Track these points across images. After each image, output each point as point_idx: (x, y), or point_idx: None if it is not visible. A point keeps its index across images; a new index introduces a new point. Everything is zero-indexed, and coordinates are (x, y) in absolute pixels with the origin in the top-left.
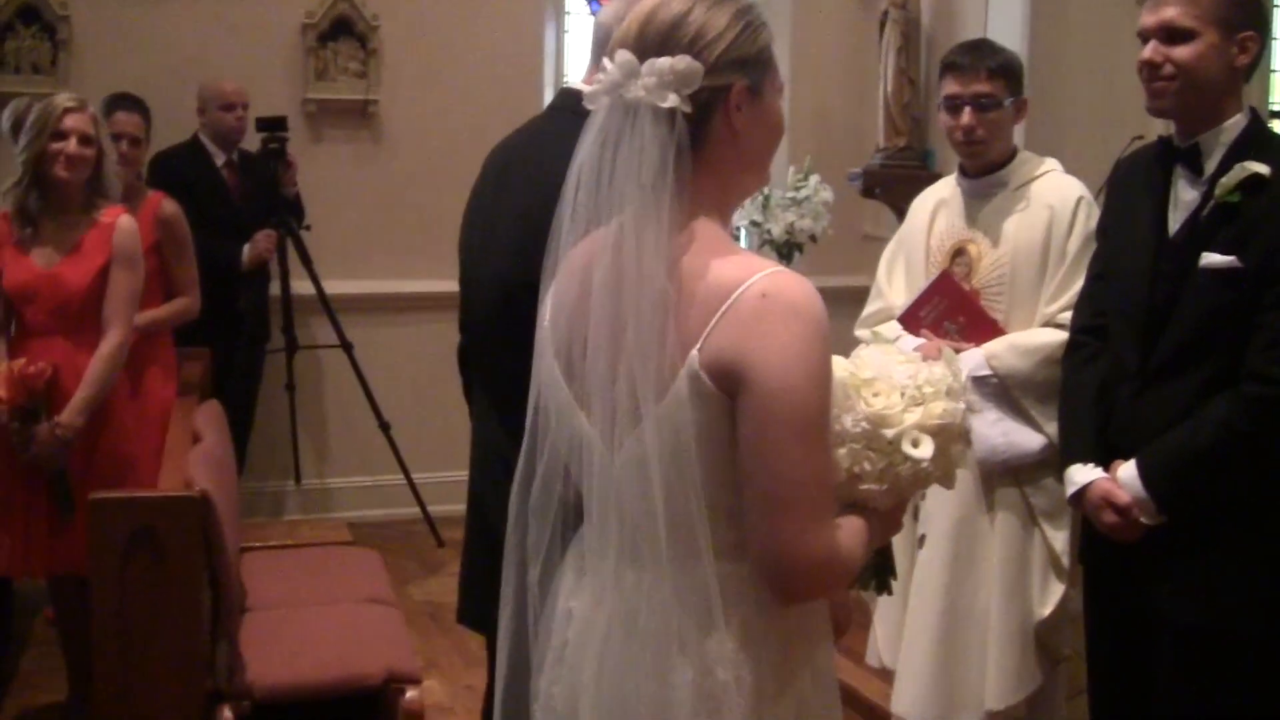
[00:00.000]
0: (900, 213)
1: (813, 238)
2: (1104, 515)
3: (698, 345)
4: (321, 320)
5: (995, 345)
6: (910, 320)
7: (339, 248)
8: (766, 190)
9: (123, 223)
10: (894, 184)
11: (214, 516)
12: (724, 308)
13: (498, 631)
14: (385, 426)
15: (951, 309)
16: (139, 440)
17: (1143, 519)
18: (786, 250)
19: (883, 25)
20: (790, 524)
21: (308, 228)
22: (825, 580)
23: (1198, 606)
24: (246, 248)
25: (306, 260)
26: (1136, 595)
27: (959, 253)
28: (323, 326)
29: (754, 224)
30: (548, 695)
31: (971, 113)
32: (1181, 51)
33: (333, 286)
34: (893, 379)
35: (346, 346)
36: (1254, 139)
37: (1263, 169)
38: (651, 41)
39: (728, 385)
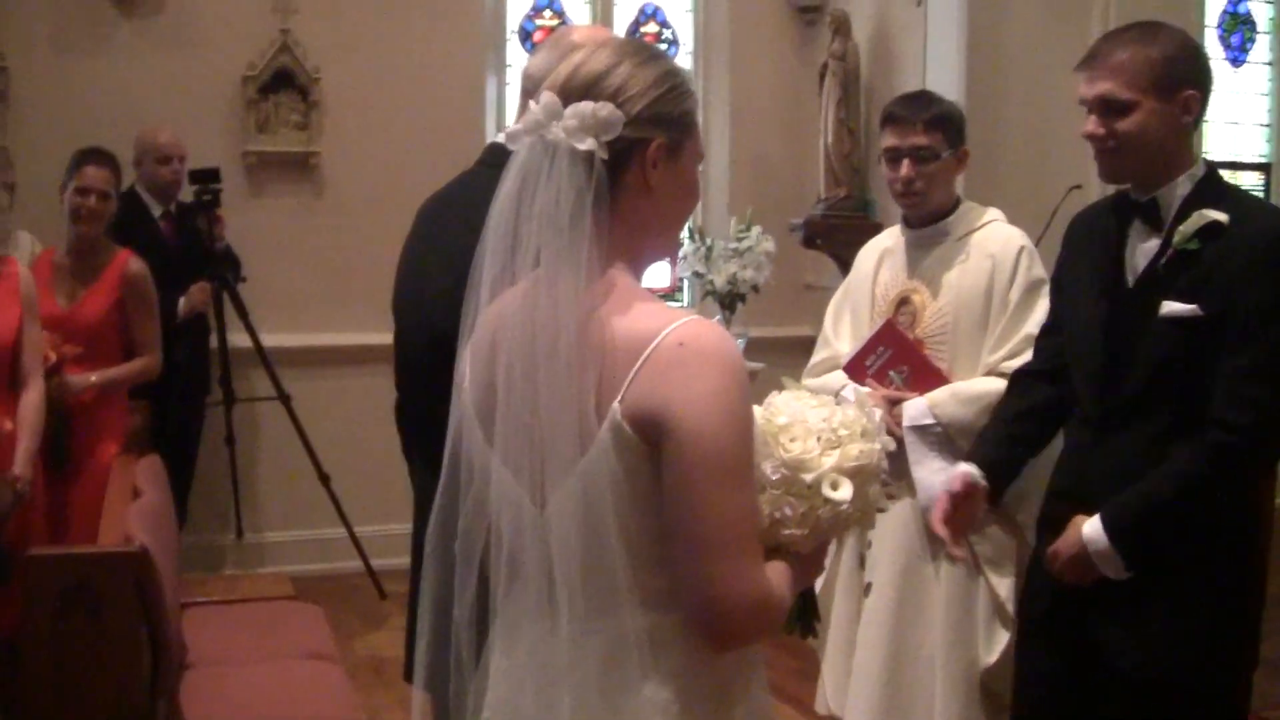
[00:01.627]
0: (841, 262)
1: (755, 288)
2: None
3: (619, 396)
4: (259, 373)
5: (938, 394)
6: (855, 369)
7: (279, 300)
8: (709, 241)
9: (23, 272)
10: (835, 234)
11: (153, 572)
12: (643, 358)
13: (413, 680)
14: (325, 479)
15: (896, 358)
16: (80, 497)
17: (1108, 573)
18: (729, 300)
19: (822, 76)
20: (721, 568)
21: (244, 280)
22: (759, 623)
23: (1147, 656)
24: (182, 300)
25: (243, 312)
26: (1079, 644)
27: (903, 302)
28: (260, 379)
29: (697, 275)
30: None
31: (910, 164)
32: (1123, 124)
33: (273, 339)
34: (807, 423)
35: (284, 398)
36: (1211, 189)
37: (1221, 216)
38: (577, 88)
39: (650, 434)
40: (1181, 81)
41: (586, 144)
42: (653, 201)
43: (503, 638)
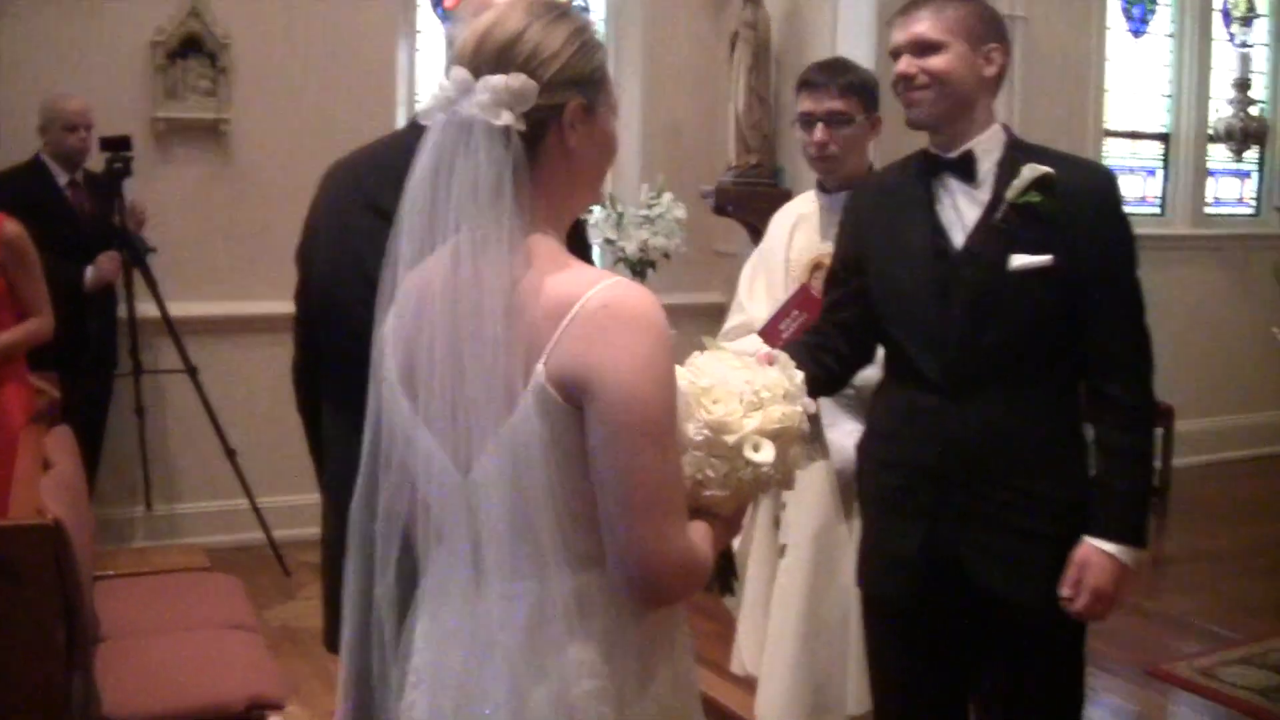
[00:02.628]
0: (752, 229)
1: (666, 255)
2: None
3: (542, 359)
4: (167, 343)
5: None
6: (770, 334)
7: (189, 268)
8: (620, 208)
9: None
10: (745, 201)
11: (67, 544)
12: (566, 321)
13: (340, 648)
14: (231, 453)
15: (810, 322)
16: None
17: (1134, 568)
18: (640, 267)
19: (733, 44)
20: (648, 528)
21: (153, 250)
22: (686, 582)
23: (1034, 588)
24: (90, 270)
25: (151, 283)
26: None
27: (817, 267)
28: (169, 350)
29: (609, 241)
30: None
31: (824, 129)
32: (934, 61)
33: (182, 309)
34: (730, 385)
35: (191, 371)
36: (1022, 146)
37: (1051, 170)
38: (486, 59)
39: (575, 397)
40: (988, 36)
41: (502, 119)
42: (572, 162)
43: (429, 602)
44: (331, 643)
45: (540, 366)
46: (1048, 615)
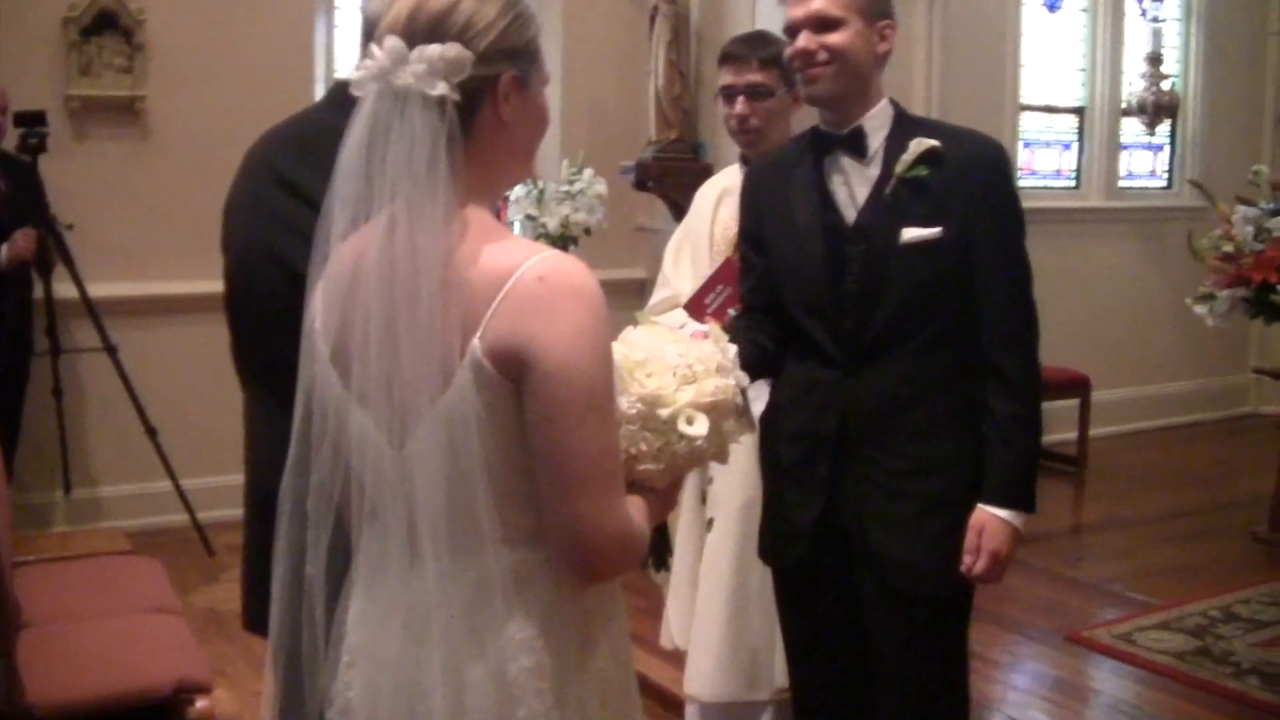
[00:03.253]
0: (673, 204)
1: (587, 230)
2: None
3: (478, 334)
4: (86, 323)
5: None
6: (695, 307)
7: (105, 248)
8: (541, 184)
9: None
10: (666, 176)
11: None
12: (501, 294)
13: (269, 630)
14: (152, 432)
15: (735, 295)
16: None
17: (1022, 530)
18: (562, 243)
19: (653, 19)
20: (587, 503)
21: (69, 227)
22: (625, 556)
23: (928, 552)
24: (4, 248)
25: (68, 261)
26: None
27: None
28: (87, 330)
29: (529, 218)
30: (344, 700)
31: (745, 101)
32: (834, 37)
33: (100, 289)
34: (664, 359)
35: (110, 350)
36: (909, 119)
37: (937, 144)
38: (421, 29)
39: (511, 371)
40: (882, 12)
41: (438, 89)
42: (507, 135)
43: (362, 582)
44: (250, 623)
45: (476, 341)
46: (941, 578)
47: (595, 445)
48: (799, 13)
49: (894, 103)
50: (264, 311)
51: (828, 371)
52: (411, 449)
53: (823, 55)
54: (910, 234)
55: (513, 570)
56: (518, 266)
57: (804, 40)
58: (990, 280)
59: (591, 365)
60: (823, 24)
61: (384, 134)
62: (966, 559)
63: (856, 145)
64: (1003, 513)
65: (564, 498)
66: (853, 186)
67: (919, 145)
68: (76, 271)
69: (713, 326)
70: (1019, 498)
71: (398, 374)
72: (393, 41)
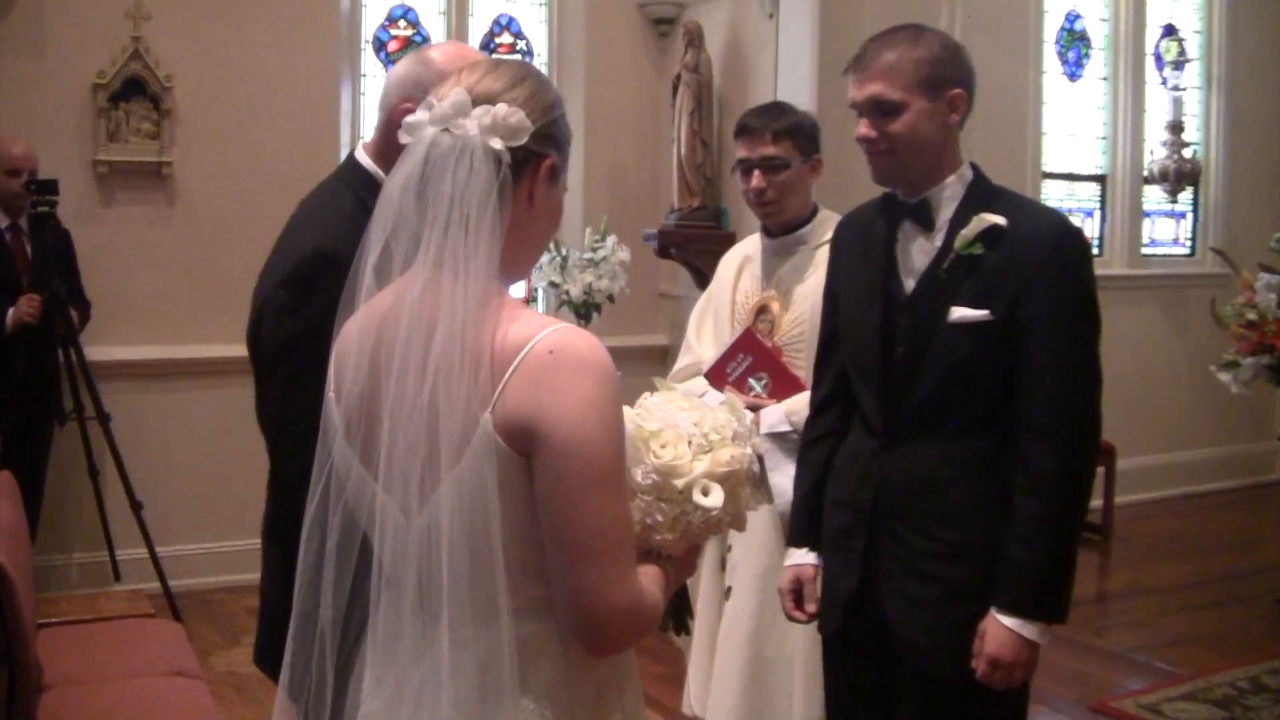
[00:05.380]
0: (695, 271)
1: (610, 297)
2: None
3: (489, 407)
4: (115, 387)
5: (795, 402)
6: (716, 376)
7: (131, 312)
8: (564, 251)
9: None
10: (689, 243)
11: (11, 591)
12: (512, 367)
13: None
14: (137, 507)
15: (755, 365)
16: None
17: (1042, 642)
18: (585, 310)
19: (675, 88)
20: (595, 575)
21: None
22: (635, 628)
23: (940, 655)
24: (10, 311)
25: (70, 330)
26: (879, 649)
27: (762, 310)
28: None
29: (552, 285)
30: None
31: (760, 175)
32: (894, 125)
33: (125, 352)
34: (679, 428)
35: (103, 419)
36: (982, 190)
37: (1000, 220)
38: (484, 92)
39: (521, 444)
40: (948, 81)
41: (496, 144)
42: (533, 218)
43: (377, 649)
44: (259, 657)
45: (487, 415)
46: (957, 665)
47: (603, 518)
48: (858, 96)
49: (974, 168)
50: (260, 371)
51: (870, 442)
52: (425, 519)
53: (883, 145)
54: (958, 314)
55: (524, 642)
56: (529, 340)
57: (863, 128)
58: (1032, 365)
59: (600, 438)
60: (882, 108)
61: (439, 176)
62: (973, 660)
63: (922, 217)
64: (1007, 620)
65: (571, 570)
66: (915, 257)
67: (980, 222)
68: (78, 341)
69: (730, 395)
70: (1029, 605)
71: (411, 443)
72: (459, 92)
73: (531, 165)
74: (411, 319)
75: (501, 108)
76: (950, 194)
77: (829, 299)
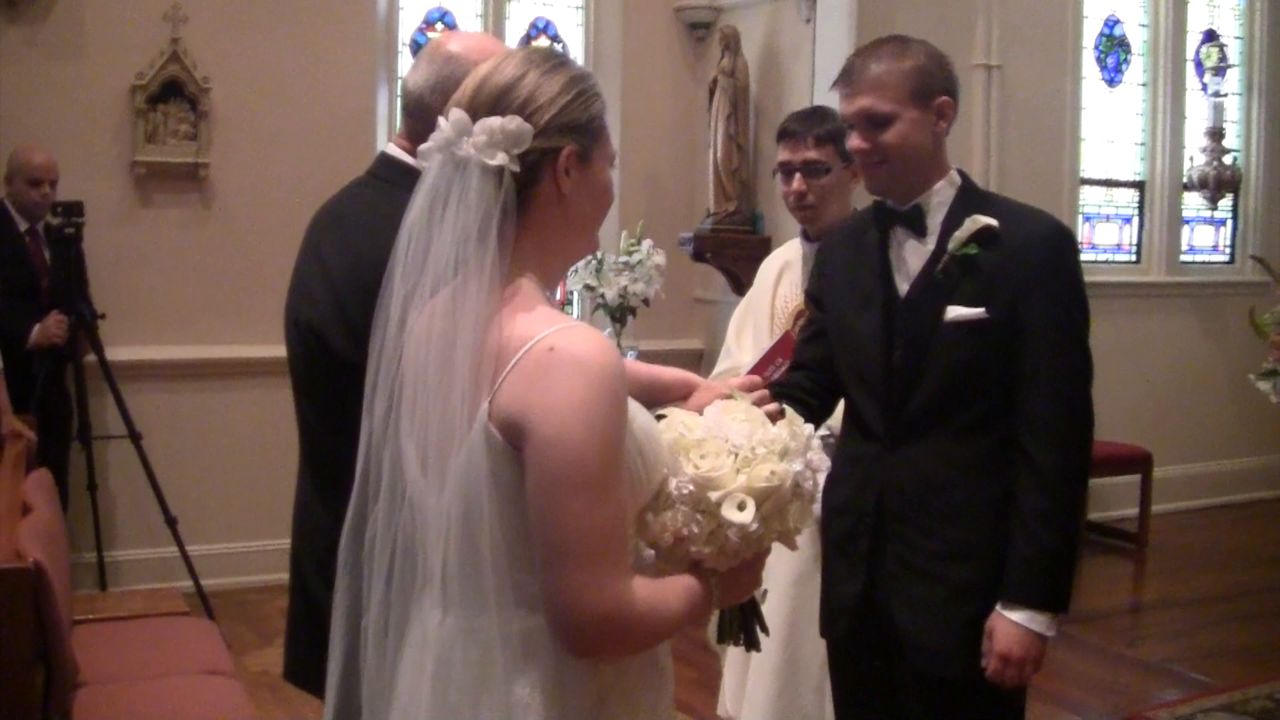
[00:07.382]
0: (730, 276)
1: (645, 301)
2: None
3: (488, 398)
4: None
5: None
6: None
7: (167, 312)
8: (599, 255)
9: None
10: (724, 248)
11: (47, 588)
12: (514, 361)
13: (326, 680)
14: (172, 522)
15: None
16: None
17: (1048, 634)
18: (620, 314)
19: (712, 92)
20: (572, 577)
21: (102, 316)
22: (615, 636)
23: (945, 656)
24: (36, 328)
25: (98, 348)
26: (886, 650)
27: (801, 314)
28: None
29: (588, 288)
30: None
31: (801, 179)
32: (886, 136)
33: (160, 351)
34: (726, 440)
35: (135, 437)
36: (972, 195)
37: (992, 222)
38: (484, 102)
39: (513, 437)
40: (935, 90)
41: (497, 159)
42: (566, 208)
43: (397, 633)
44: (289, 673)
45: (485, 406)
46: (963, 664)
47: (582, 521)
48: (848, 110)
49: (962, 174)
50: (292, 373)
51: (872, 446)
52: (433, 510)
53: (876, 156)
54: (954, 312)
55: (523, 635)
56: (534, 335)
57: (855, 141)
58: (1032, 365)
59: (584, 441)
60: (873, 121)
61: (443, 203)
62: (983, 659)
63: (915, 223)
64: (1015, 615)
65: (549, 569)
66: (910, 261)
67: (973, 223)
68: (105, 360)
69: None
70: (1037, 598)
71: (430, 431)
72: (457, 114)
73: (549, 162)
74: (423, 330)
75: (494, 120)
76: (941, 199)
77: (810, 303)
